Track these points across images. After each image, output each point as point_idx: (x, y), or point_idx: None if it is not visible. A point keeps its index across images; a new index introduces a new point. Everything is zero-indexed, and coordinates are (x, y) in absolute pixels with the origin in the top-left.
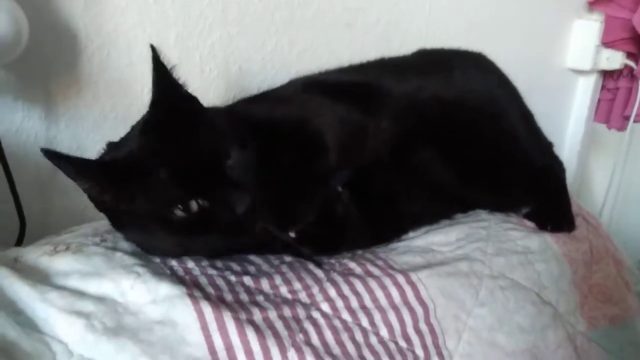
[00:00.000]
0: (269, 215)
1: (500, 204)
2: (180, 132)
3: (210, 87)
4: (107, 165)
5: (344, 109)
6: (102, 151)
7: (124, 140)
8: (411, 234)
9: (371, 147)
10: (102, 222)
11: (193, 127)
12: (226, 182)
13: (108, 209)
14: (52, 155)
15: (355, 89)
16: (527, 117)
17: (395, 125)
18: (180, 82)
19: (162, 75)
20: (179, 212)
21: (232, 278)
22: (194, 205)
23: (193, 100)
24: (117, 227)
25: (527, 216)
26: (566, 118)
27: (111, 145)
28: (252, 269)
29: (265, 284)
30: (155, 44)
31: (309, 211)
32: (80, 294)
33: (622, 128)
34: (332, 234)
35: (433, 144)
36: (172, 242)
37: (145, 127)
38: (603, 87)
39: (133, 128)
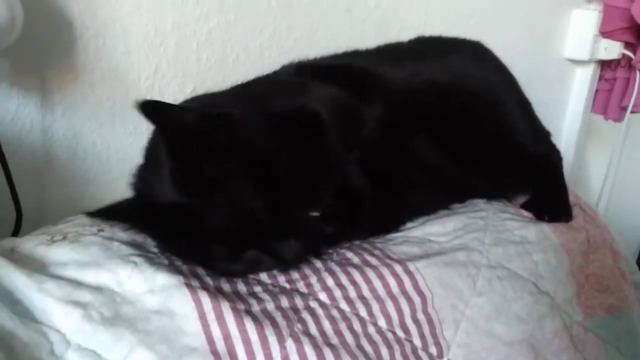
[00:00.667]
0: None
1: (497, 191)
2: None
3: (207, 75)
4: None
5: (336, 90)
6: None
7: None
8: (408, 225)
9: (366, 132)
10: None
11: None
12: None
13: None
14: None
15: (348, 73)
16: (524, 105)
17: (389, 110)
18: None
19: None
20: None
21: None
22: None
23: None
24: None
25: (525, 206)
26: (563, 108)
27: None
28: None
29: (263, 274)
30: (151, 31)
31: (327, 192)
32: (78, 283)
33: (619, 119)
34: (352, 209)
35: (428, 129)
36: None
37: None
38: (601, 78)
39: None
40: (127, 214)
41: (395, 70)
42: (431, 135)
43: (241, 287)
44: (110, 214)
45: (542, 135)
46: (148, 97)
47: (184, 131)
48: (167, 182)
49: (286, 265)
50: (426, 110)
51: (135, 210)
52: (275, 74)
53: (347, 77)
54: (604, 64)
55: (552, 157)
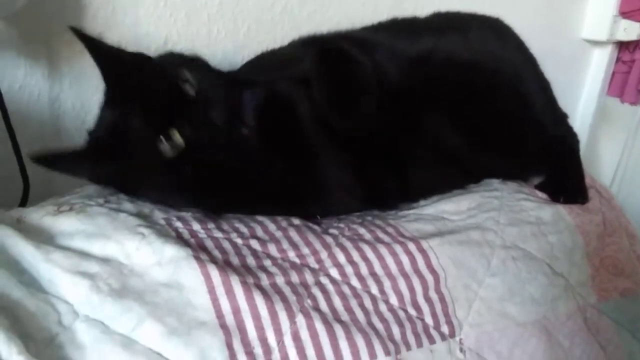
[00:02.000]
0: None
1: (512, 171)
2: (135, 86)
3: (218, 48)
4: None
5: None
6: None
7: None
8: (422, 202)
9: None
10: None
11: (145, 77)
12: (196, 105)
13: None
14: (40, 159)
15: (360, 44)
16: (543, 85)
17: (403, 81)
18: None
19: (95, 48)
20: (166, 148)
21: (239, 241)
22: (177, 136)
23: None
24: (131, 193)
25: (540, 187)
26: (579, 90)
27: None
28: (259, 231)
29: (272, 248)
30: (162, 1)
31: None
32: (85, 254)
33: (636, 102)
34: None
35: (446, 106)
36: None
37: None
38: (618, 60)
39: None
40: None
41: (412, 44)
42: (449, 112)
43: (250, 260)
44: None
45: (559, 117)
46: None
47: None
48: None
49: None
50: (445, 85)
51: None
52: (282, 48)
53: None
54: (622, 46)
55: (569, 139)
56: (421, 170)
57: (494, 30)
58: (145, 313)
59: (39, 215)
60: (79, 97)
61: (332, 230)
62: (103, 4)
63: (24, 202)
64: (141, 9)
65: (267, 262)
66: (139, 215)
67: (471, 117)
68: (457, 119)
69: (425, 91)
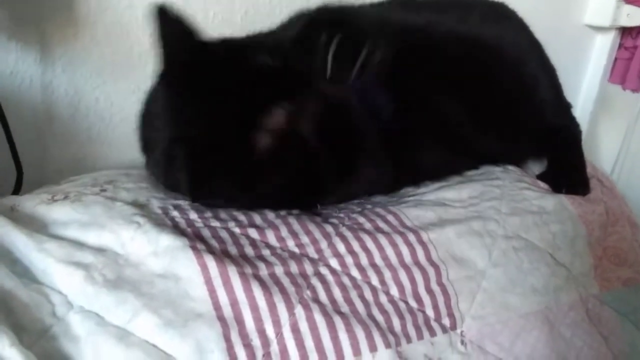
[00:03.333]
0: None
1: (512, 156)
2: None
3: (215, 32)
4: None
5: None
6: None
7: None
8: (422, 189)
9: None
10: (102, 172)
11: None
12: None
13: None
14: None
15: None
16: (548, 70)
17: (406, 51)
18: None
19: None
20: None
21: (237, 230)
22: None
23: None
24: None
25: (541, 177)
26: (581, 77)
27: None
28: (257, 219)
29: (271, 236)
30: None
31: None
32: (80, 244)
33: (637, 89)
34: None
35: (446, 83)
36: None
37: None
38: (620, 46)
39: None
40: None
41: (413, 18)
42: (449, 91)
43: (249, 250)
44: None
45: (563, 106)
46: (152, 54)
47: None
48: None
49: None
50: (445, 62)
51: None
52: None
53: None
54: (625, 32)
55: (572, 129)
56: (426, 150)
57: (498, 13)
58: (140, 304)
59: (33, 204)
60: (72, 82)
61: (332, 220)
62: None
63: (17, 190)
64: None
65: (266, 252)
66: (135, 204)
67: (471, 92)
68: (457, 94)
69: (427, 66)
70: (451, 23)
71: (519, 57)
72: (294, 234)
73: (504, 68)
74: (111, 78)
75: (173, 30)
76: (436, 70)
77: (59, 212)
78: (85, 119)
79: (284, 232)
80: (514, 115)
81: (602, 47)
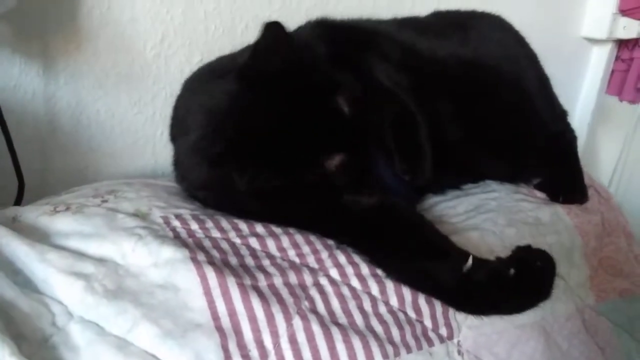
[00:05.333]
0: None
1: (513, 170)
2: None
3: (215, 46)
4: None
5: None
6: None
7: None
8: (420, 206)
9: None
10: (104, 182)
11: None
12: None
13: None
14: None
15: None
16: (543, 81)
17: (415, 78)
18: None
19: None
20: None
21: (237, 240)
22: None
23: None
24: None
25: (539, 187)
26: (578, 88)
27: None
28: (259, 228)
29: (272, 246)
30: None
31: None
32: (80, 255)
33: (634, 100)
34: None
35: (449, 102)
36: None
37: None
38: (617, 58)
39: None
40: None
41: (421, 41)
42: (451, 108)
43: (249, 260)
44: None
45: (558, 113)
46: (154, 67)
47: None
48: None
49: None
50: (448, 83)
51: None
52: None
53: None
54: (621, 44)
55: (567, 135)
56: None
57: (495, 28)
58: (140, 315)
59: (35, 215)
60: (75, 95)
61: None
62: (98, 0)
63: (19, 201)
64: (137, 5)
65: (266, 262)
66: (136, 214)
67: (474, 113)
68: (460, 115)
69: (433, 86)
70: (453, 46)
71: (516, 72)
72: (296, 245)
73: (502, 84)
74: (113, 90)
75: (279, 44)
76: (440, 90)
77: (60, 223)
78: (87, 130)
79: (285, 242)
80: (512, 128)
81: (599, 59)
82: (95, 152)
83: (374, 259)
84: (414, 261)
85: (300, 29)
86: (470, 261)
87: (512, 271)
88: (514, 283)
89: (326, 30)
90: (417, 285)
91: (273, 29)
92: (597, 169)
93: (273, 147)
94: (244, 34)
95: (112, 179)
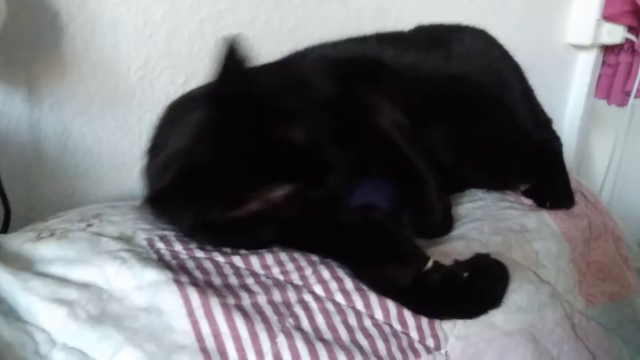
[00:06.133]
0: None
1: (498, 180)
2: None
3: (199, 66)
4: None
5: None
6: None
7: None
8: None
9: None
10: (90, 207)
11: None
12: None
13: None
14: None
15: (364, 64)
16: (527, 92)
17: (406, 100)
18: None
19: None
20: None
21: (221, 259)
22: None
23: None
24: None
25: (526, 193)
26: (566, 94)
27: None
28: None
29: (256, 264)
30: (141, 21)
31: None
32: (64, 281)
33: (622, 104)
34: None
35: (434, 118)
36: None
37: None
38: (604, 63)
39: None
40: None
41: (402, 58)
42: (436, 124)
43: (232, 280)
44: None
45: (543, 122)
46: (138, 90)
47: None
48: None
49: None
50: (432, 99)
51: None
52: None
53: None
54: (607, 49)
55: (552, 143)
56: None
57: (478, 41)
58: (123, 339)
59: (19, 242)
60: (60, 121)
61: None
62: (81, 26)
63: (5, 228)
64: (120, 31)
65: (250, 280)
66: (121, 237)
67: (458, 128)
68: (444, 130)
69: (418, 103)
70: (436, 62)
71: (499, 86)
72: (280, 262)
73: (486, 100)
74: (98, 115)
75: (232, 67)
76: (424, 106)
77: (44, 250)
78: (74, 155)
79: (269, 260)
80: (496, 141)
81: (585, 65)
82: (82, 177)
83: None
84: (375, 265)
85: (294, 56)
86: (430, 263)
87: (465, 274)
88: (466, 286)
89: (327, 66)
90: (377, 287)
91: (230, 56)
92: (590, 172)
93: (218, 180)
94: None
95: (100, 203)
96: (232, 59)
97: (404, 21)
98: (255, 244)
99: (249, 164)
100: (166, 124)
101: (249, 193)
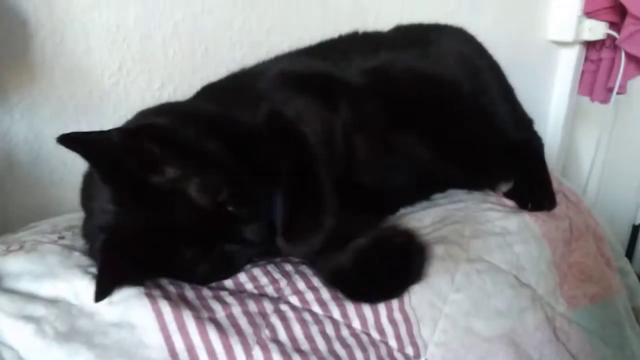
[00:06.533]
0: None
1: (479, 181)
2: None
3: (175, 70)
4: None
5: (317, 104)
6: None
7: None
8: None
9: (342, 140)
10: (63, 217)
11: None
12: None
13: None
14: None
15: (316, 81)
16: (507, 91)
17: (357, 109)
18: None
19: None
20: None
21: None
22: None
23: None
24: None
25: (508, 195)
26: (549, 91)
27: None
28: None
29: (229, 283)
30: (113, 26)
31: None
32: (31, 297)
33: (605, 100)
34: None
35: (411, 122)
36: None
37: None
38: (586, 59)
39: None
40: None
41: (367, 61)
42: (412, 127)
43: (206, 292)
44: None
45: (523, 122)
46: (113, 96)
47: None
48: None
49: (253, 247)
50: (406, 100)
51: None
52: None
53: (319, 84)
54: (589, 45)
55: (533, 143)
56: (393, 190)
57: (456, 41)
58: (93, 356)
59: None
60: (31, 128)
61: (291, 258)
62: (51, 33)
63: None
64: (92, 36)
65: (224, 292)
66: None
67: (434, 129)
68: (422, 131)
69: (386, 106)
70: (410, 60)
71: (477, 85)
72: (253, 278)
73: (464, 99)
74: (72, 121)
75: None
76: (396, 108)
77: (12, 264)
78: (47, 164)
79: (242, 277)
80: (476, 141)
81: (567, 62)
82: (56, 186)
83: None
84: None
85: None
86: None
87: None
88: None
89: (286, 81)
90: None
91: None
92: (575, 169)
93: (140, 249)
94: (204, 57)
95: (74, 212)
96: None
97: (383, 20)
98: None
99: (161, 230)
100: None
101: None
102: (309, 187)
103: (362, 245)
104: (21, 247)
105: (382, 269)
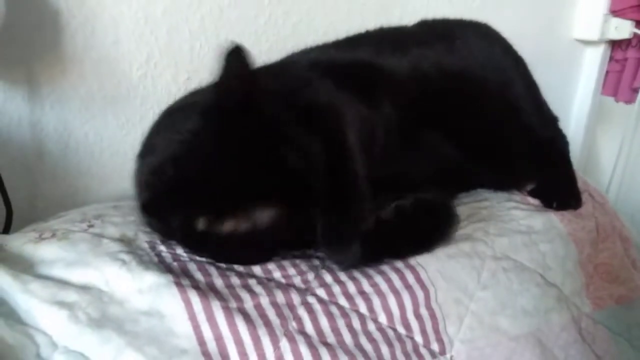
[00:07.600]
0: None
1: (504, 180)
2: None
3: (201, 63)
4: None
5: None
6: None
7: None
8: None
9: (378, 137)
10: (92, 206)
11: None
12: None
13: None
14: None
15: (357, 72)
16: (532, 88)
17: (399, 109)
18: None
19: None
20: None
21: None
22: None
23: None
24: None
25: (532, 193)
26: (573, 91)
27: None
28: None
29: (257, 269)
30: (142, 19)
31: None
32: (64, 283)
33: (630, 101)
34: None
35: (437, 117)
36: None
37: None
38: (611, 59)
39: None
40: None
41: (400, 58)
42: (439, 124)
43: (234, 280)
44: None
45: (549, 120)
46: (140, 88)
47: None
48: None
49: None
50: (433, 97)
51: None
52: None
53: (356, 78)
54: (615, 44)
55: (559, 141)
56: (418, 187)
57: (481, 37)
58: (124, 343)
59: (20, 243)
60: (61, 119)
61: (318, 253)
62: (81, 25)
63: (7, 229)
64: (121, 28)
65: (252, 281)
66: (122, 239)
67: (461, 126)
68: (448, 129)
69: (419, 107)
70: (437, 56)
71: (503, 82)
72: (281, 266)
73: (488, 95)
74: (100, 113)
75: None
76: (425, 106)
77: (45, 251)
78: (75, 154)
79: (270, 264)
80: (501, 139)
81: (592, 61)
82: (84, 176)
83: None
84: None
85: (290, 60)
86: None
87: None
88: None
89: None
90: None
91: (234, 63)
92: (597, 170)
93: (207, 191)
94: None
95: (102, 202)
96: (234, 68)
97: (409, 16)
98: (242, 261)
99: (240, 181)
100: (160, 130)
101: (236, 208)
102: (349, 193)
103: (403, 203)
104: (53, 235)
105: (416, 223)
